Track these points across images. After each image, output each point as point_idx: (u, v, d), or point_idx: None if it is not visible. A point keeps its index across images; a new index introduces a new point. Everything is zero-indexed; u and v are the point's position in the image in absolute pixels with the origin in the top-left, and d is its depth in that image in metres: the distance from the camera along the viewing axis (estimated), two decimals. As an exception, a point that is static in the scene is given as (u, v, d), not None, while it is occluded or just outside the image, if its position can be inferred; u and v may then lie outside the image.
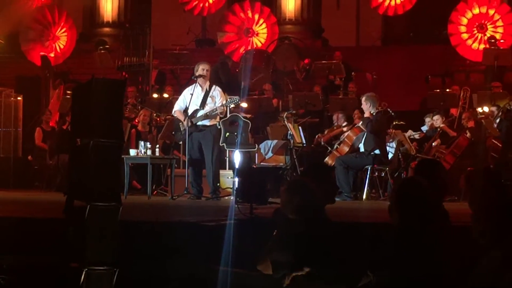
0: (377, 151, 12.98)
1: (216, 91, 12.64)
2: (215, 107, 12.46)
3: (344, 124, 14.95)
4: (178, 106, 12.78)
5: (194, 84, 12.68)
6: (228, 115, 13.71)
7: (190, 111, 12.50)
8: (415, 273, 5.19)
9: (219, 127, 12.81)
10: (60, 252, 6.57)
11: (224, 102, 12.59)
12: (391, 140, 14.00)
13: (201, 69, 12.66)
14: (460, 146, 13.94)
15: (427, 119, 15.35)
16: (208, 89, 12.62)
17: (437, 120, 15.03)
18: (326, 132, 15.28)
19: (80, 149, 6.09)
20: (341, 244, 5.78)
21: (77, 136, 6.27)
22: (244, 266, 5.96)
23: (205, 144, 12.47)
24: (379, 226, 7.08)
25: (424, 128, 15.52)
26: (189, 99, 12.54)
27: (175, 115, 12.89)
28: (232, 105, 13.18)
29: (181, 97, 12.90)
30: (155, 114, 15.84)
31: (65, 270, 6.20)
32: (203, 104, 12.54)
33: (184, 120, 12.49)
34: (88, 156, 5.81)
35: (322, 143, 14.87)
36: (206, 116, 12.46)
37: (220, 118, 12.85)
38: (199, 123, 12.48)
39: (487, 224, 4.94)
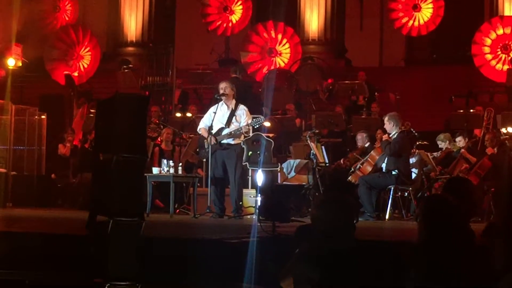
0: (395, 172, 12.87)
1: (242, 110, 12.62)
2: (240, 127, 12.45)
3: (367, 144, 14.84)
4: (203, 123, 12.77)
5: (220, 102, 12.69)
6: (251, 134, 13.69)
7: (214, 129, 12.50)
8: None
9: (243, 146, 12.79)
10: (83, 268, 6.56)
11: (249, 121, 12.56)
12: (412, 157, 13.88)
13: (220, 88, 12.72)
14: (484, 167, 13.85)
15: (439, 142, 15.15)
16: (234, 108, 12.62)
17: (459, 142, 14.91)
18: (349, 156, 15.14)
19: (103, 164, 6.08)
20: (365, 262, 5.73)
21: (100, 151, 6.26)
22: (267, 283, 5.93)
23: (229, 162, 12.44)
24: (401, 245, 7.02)
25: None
26: (213, 117, 12.55)
27: (200, 132, 12.87)
28: (257, 126, 13.15)
29: (206, 115, 12.90)
30: (179, 133, 15.82)
31: (88, 285, 6.19)
32: (228, 122, 12.52)
33: (207, 138, 12.49)
34: (111, 171, 5.80)
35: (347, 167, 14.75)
36: (230, 135, 12.45)
37: (244, 137, 12.83)
38: (224, 141, 12.46)
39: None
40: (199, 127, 12.93)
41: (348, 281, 5.45)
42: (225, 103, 12.65)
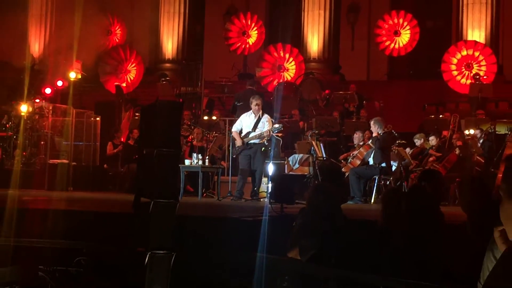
0: (383, 164, 12.92)
1: (266, 118, 12.81)
2: (262, 132, 12.57)
3: (361, 142, 14.78)
4: (235, 128, 12.94)
5: (249, 111, 12.87)
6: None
7: (243, 133, 12.79)
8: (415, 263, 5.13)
9: (266, 144, 12.86)
10: (129, 239, 6.57)
11: (270, 128, 12.66)
12: (395, 159, 13.87)
13: (254, 104, 12.80)
14: (451, 161, 13.83)
15: (415, 140, 15.20)
16: (260, 116, 12.74)
17: (432, 140, 14.93)
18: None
19: (146, 156, 6.08)
20: (354, 237, 5.73)
21: (144, 146, 6.25)
22: (276, 252, 5.93)
23: (255, 158, 12.58)
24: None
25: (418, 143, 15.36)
26: (242, 123, 12.88)
27: (233, 135, 12.98)
28: (276, 132, 13.26)
29: (237, 121, 13.16)
30: (206, 132, 15.82)
31: (133, 253, 6.19)
32: (254, 127, 12.71)
33: (238, 140, 12.75)
34: (153, 162, 5.79)
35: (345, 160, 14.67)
36: (256, 137, 12.57)
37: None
38: (250, 141, 12.67)
39: (479, 221, 4.89)
40: (232, 130, 13.07)
41: (338, 249, 5.45)
42: (253, 113, 12.76)
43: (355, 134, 15.07)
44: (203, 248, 6.69)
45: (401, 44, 21.40)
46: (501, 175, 12.10)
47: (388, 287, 5.10)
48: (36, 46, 24.34)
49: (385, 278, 5.14)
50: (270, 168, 12.65)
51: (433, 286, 4.55)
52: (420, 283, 4.68)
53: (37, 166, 16.18)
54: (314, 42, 23.24)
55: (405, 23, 21.35)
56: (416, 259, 5.15)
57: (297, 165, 14.59)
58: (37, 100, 18.09)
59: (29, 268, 6.85)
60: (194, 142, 15.48)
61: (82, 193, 14.55)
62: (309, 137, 14.77)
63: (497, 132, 15.39)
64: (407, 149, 14.78)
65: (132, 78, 22.17)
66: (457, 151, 14.01)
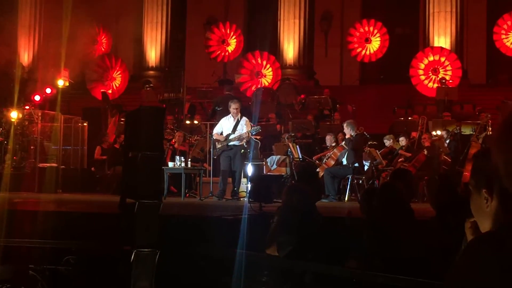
0: (356, 164, 12.95)
1: (244, 120, 12.80)
2: (241, 133, 12.55)
3: (333, 144, 14.83)
4: (216, 130, 12.94)
5: (229, 115, 12.78)
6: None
7: (224, 135, 12.71)
8: (388, 257, 5.13)
9: (245, 146, 12.86)
10: (116, 238, 6.54)
11: (249, 129, 12.66)
12: (367, 159, 13.92)
13: (233, 108, 12.79)
14: (419, 161, 13.89)
15: (385, 140, 15.24)
16: (239, 119, 12.73)
17: (402, 141, 14.97)
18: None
19: (131, 159, 6.06)
20: (328, 232, 5.74)
21: (129, 149, 6.23)
22: (255, 249, 5.92)
23: (234, 159, 12.55)
24: (356, 220, 7.02)
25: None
26: (222, 125, 12.82)
27: (214, 137, 12.95)
28: (254, 133, 13.25)
29: (218, 124, 13.12)
30: (188, 136, 15.80)
31: (119, 251, 6.17)
32: (234, 130, 12.66)
33: (220, 142, 12.69)
34: (137, 165, 5.77)
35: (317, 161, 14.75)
36: (235, 139, 12.55)
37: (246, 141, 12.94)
38: (230, 143, 12.62)
39: (446, 216, 4.91)
40: (213, 132, 13.03)
41: (313, 244, 5.46)
42: (232, 116, 12.76)
43: (327, 136, 15.12)
44: (185, 245, 6.67)
45: (371, 51, 21.51)
46: (467, 173, 12.19)
47: (364, 280, 5.11)
48: (25, 55, 24.20)
49: (361, 271, 5.16)
50: (249, 169, 12.66)
51: (409, 280, 4.56)
52: (396, 276, 4.69)
53: (27, 169, 16.06)
54: (290, 49, 23.30)
55: (375, 31, 21.47)
56: (388, 252, 5.16)
57: (274, 166, 14.59)
58: (27, 107, 17.99)
59: (20, 267, 6.80)
60: (176, 145, 15.43)
61: (70, 195, 14.47)
62: (286, 139, 14.78)
63: (462, 133, 15.51)
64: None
65: (117, 85, 22.10)
66: (425, 151, 14.08)
